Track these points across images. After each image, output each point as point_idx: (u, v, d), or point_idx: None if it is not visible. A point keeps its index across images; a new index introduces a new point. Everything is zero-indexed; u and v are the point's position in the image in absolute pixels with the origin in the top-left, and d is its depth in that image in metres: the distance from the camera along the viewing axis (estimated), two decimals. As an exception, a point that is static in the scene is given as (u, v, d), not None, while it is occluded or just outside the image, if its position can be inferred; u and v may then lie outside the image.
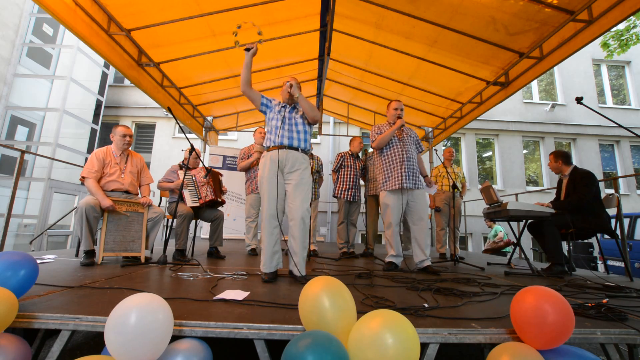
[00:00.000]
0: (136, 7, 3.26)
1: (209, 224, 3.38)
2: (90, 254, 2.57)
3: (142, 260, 2.77)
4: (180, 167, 3.36)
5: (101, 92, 9.02)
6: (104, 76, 9.17)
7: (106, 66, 9.13)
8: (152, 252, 3.33)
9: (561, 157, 3.13)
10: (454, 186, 3.74)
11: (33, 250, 5.40)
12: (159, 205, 3.38)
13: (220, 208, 3.53)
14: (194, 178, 3.19)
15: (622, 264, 5.23)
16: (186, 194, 3.15)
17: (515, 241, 3.47)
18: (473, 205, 8.42)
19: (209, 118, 6.37)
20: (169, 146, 9.46)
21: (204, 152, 6.36)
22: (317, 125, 7.07)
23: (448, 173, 4.03)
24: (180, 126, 3.72)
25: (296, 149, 2.28)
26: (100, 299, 1.48)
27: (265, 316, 1.32)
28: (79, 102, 8.29)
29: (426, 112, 5.78)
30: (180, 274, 2.26)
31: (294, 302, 1.49)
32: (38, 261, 1.84)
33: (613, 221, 3.14)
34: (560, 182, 3.23)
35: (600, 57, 9.95)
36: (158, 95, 4.47)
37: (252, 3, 3.55)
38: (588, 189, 2.85)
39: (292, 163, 2.25)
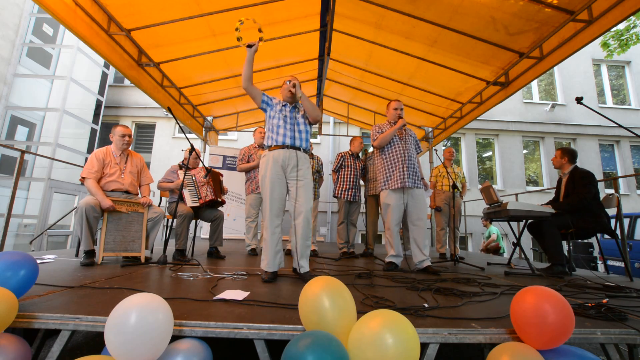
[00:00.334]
0: (136, 7, 3.26)
1: (209, 224, 3.38)
2: (90, 254, 2.57)
3: (142, 260, 2.77)
4: (180, 167, 3.36)
5: (101, 92, 9.02)
6: (104, 76, 9.17)
7: (106, 66, 9.13)
8: (152, 252, 3.33)
9: (568, 154, 3.12)
10: (454, 186, 3.74)
11: (33, 250, 5.40)
12: (159, 205, 3.38)
13: (220, 208, 3.53)
14: (194, 178, 3.19)
15: (622, 264, 5.23)
16: (186, 194, 3.15)
17: (514, 241, 3.47)
18: (473, 205, 8.42)
19: (209, 118, 6.37)
20: (169, 146, 9.46)
21: (204, 152, 6.36)
22: (317, 125, 7.07)
23: (448, 173, 4.03)
24: (180, 126, 3.72)
25: (298, 148, 2.29)
26: (100, 299, 1.48)
27: (265, 316, 1.32)
28: (79, 102, 8.29)
29: (426, 112, 5.78)
30: (180, 274, 2.26)
31: (294, 302, 1.48)
32: (38, 261, 1.84)
33: (613, 221, 3.14)
34: (559, 181, 3.23)
35: (600, 57, 9.95)
36: (158, 95, 4.47)
37: (252, 3, 3.55)
38: (588, 189, 2.85)
39: (295, 163, 2.25)
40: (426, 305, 1.57)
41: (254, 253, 3.72)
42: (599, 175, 9.40)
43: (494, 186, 3.48)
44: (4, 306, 1.09)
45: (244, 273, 2.35)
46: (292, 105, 2.38)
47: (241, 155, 3.83)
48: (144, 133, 9.85)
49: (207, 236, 3.78)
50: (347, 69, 5.34)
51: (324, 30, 4.39)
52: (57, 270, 2.21)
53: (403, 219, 2.94)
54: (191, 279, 2.08)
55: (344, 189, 4.00)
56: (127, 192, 2.87)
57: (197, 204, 3.17)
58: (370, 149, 4.50)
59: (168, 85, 4.66)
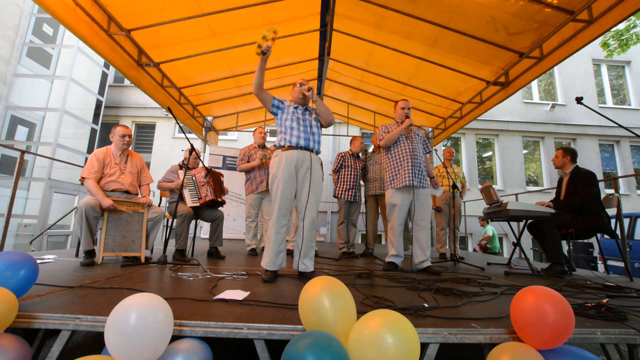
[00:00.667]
0: (136, 7, 3.26)
1: (209, 224, 3.38)
2: (90, 254, 2.57)
3: (142, 260, 2.77)
4: (180, 167, 3.36)
5: (101, 92, 9.02)
6: (104, 76, 9.17)
7: (106, 66, 9.13)
8: (152, 252, 3.33)
9: (570, 153, 3.12)
10: (454, 186, 3.74)
11: (33, 250, 5.40)
12: (159, 205, 3.38)
13: (220, 208, 3.53)
14: (194, 178, 3.19)
15: (622, 264, 5.23)
16: (186, 193, 3.15)
17: (515, 241, 3.47)
18: (473, 205, 8.42)
19: (209, 118, 6.37)
20: (169, 146, 9.46)
21: (204, 152, 6.36)
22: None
23: (448, 173, 4.03)
24: (180, 126, 3.72)
25: (311, 150, 2.31)
26: (100, 299, 1.48)
27: (265, 316, 1.32)
28: (79, 102, 8.29)
29: (426, 112, 5.79)
30: (180, 274, 2.26)
31: (294, 302, 1.48)
32: (38, 261, 1.84)
33: (613, 221, 3.14)
34: (560, 180, 3.22)
35: (600, 57, 9.95)
36: (158, 95, 4.47)
37: (252, 3, 3.55)
38: (589, 189, 2.85)
39: (308, 165, 2.27)
40: (426, 305, 1.57)
41: (254, 253, 3.72)
42: (599, 175, 9.39)
43: (494, 186, 3.48)
44: (4, 306, 1.09)
45: (244, 273, 2.35)
46: (304, 107, 2.40)
47: (241, 155, 3.83)
48: (144, 133, 9.85)
49: (207, 236, 3.78)
50: (347, 69, 5.34)
51: (324, 30, 4.39)
52: (57, 270, 2.21)
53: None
54: (191, 279, 2.08)
55: (344, 189, 4.00)
56: (127, 192, 2.87)
57: (197, 204, 3.17)
58: (370, 149, 4.50)
59: (168, 85, 4.66)
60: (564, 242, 3.05)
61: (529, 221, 3.17)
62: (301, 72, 5.48)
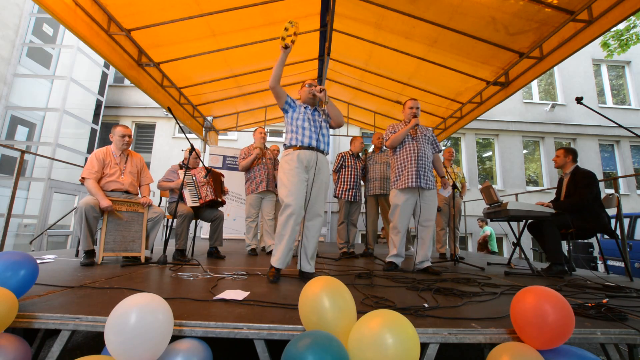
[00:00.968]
0: (136, 7, 3.26)
1: (209, 224, 3.38)
2: (90, 254, 2.57)
3: (142, 260, 2.77)
4: (181, 167, 3.36)
5: (101, 92, 9.02)
6: (104, 76, 9.18)
7: (106, 66, 9.13)
8: (152, 252, 3.33)
9: (571, 153, 3.12)
10: (454, 186, 3.74)
11: (33, 250, 5.40)
12: (159, 205, 3.38)
13: (220, 208, 3.53)
14: (194, 178, 3.19)
15: (622, 264, 5.23)
16: (186, 193, 3.15)
17: (515, 241, 3.47)
18: (473, 205, 8.42)
19: (209, 118, 6.37)
20: (169, 146, 9.47)
21: (204, 152, 6.36)
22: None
23: (448, 173, 4.03)
24: (180, 126, 3.72)
25: (321, 151, 2.32)
26: (100, 299, 1.48)
27: (265, 316, 1.32)
28: (79, 102, 8.29)
29: (426, 112, 5.79)
30: (180, 274, 2.26)
31: (294, 302, 1.48)
32: (38, 261, 1.84)
33: (613, 221, 3.14)
34: (560, 180, 3.22)
35: (600, 57, 9.96)
36: (158, 95, 4.47)
37: (252, 3, 3.55)
38: (589, 189, 2.85)
39: (319, 166, 2.27)
40: (426, 305, 1.57)
41: (254, 253, 3.72)
42: (599, 175, 9.39)
43: (494, 186, 3.48)
44: (4, 306, 1.09)
45: (244, 273, 2.35)
46: (313, 108, 2.41)
47: (242, 155, 3.83)
48: (144, 133, 9.86)
49: (207, 236, 3.78)
50: (347, 69, 5.34)
51: (324, 30, 4.39)
52: (57, 270, 2.21)
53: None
54: (191, 279, 2.08)
55: (344, 189, 4.00)
56: (127, 192, 2.87)
57: (197, 204, 3.17)
58: (370, 149, 4.50)
59: (168, 85, 4.66)
60: (564, 242, 3.05)
61: (529, 221, 3.17)
62: (301, 72, 5.48)
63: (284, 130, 2.44)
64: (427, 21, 3.62)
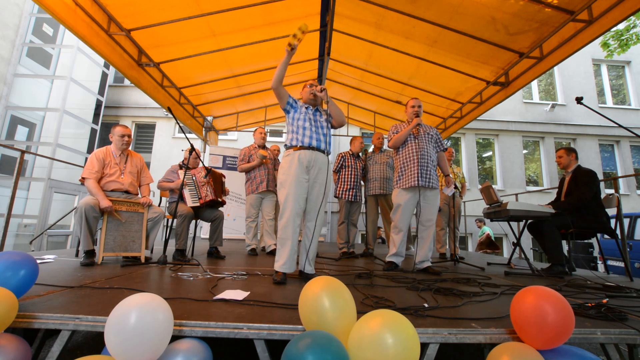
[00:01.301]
0: (136, 7, 3.26)
1: (209, 224, 3.38)
2: (90, 254, 2.57)
3: (142, 260, 2.77)
4: (181, 167, 3.36)
5: (101, 92, 9.02)
6: (104, 76, 9.18)
7: (106, 66, 9.14)
8: (152, 252, 3.33)
9: (574, 151, 3.13)
10: (454, 186, 3.74)
11: (33, 250, 5.40)
12: (159, 205, 3.38)
13: (220, 208, 3.53)
14: (194, 178, 3.19)
15: (622, 264, 5.23)
16: (186, 194, 3.15)
17: (515, 241, 3.47)
18: (473, 205, 8.42)
19: (209, 118, 6.37)
20: (169, 146, 9.47)
21: (204, 152, 6.36)
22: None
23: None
24: (180, 126, 3.72)
25: (322, 151, 2.31)
26: (100, 299, 1.48)
27: (265, 316, 1.32)
28: (79, 102, 8.29)
29: (426, 112, 5.78)
30: (180, 274, 2.26)
31: (294, 302, 1.48)
32: (38, 261, 1.84)
33: (613, 221, 3.14)
34: (562, 179, 3.22)
35: (600, 57, 9.96)
36: (158, 95, 4.47)
37: (252, 3, 3.55)
38: (588, 188, 2.85)
39: (320, 166, 2.27)
40: (426, 305, 1.57)
41: (254, 253, 3.72)
42: (599, 176, 9.40)
43: (494, 186, 3.47)
44: (4, 306, 1.09)
45: (244, 273, 2.35)
46: (314, 108, 2.40)
47: (242, 155, 3.83)
48: (144, 133, 9.86)
49: (207, 236, 3.78)
50: (347, 69, 5.34)
51: (324, 30, 4.39)
52: (57, 270, 2.21)
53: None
54: (191, 279, 2.08)
55: (344, 189, 4.00)
56: (127, 192, 2.87)
57: (198, 204, 3.17)
58: (370, 149, 4.50)
59: (168, 85, 4.66)
60: (564, 242, 3.05)
61: (529, 221, 3.17)
62: (301, 72, 5.49)
63: (284, 130, 2.44)
64: (427, 21, 3.62)
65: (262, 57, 4.59)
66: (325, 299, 1.11)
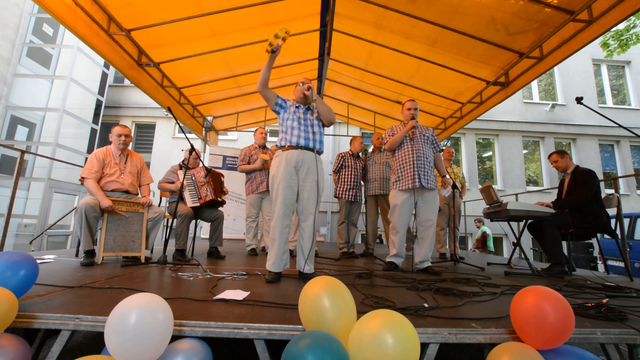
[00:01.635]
0: (136, 7, 3.26)
1: (209, 224, 3.38)
2: (90, 254, 2.57)
3: (142, 260, 2.77)
4: (180, 167, 3.36)
5: (101, 92, 9.02)
6: (104, 76, 9.18)
7: (106, 66, 9.13)
8: (152, 252, 3.33)
9: (567, 153, 3.14)
10: (454, 186, 3.74)
11: (33, 250, 5.40)
12: (159, 205, 3.38)
13: (220, 208, 3.53)
14: (193, 178, 3.19)
15: (622, 264, 5.23)
16: (186, 194, 3.15)
17: (515, 241, 3.47)
18: (473, 205, 8.42)
19: (209, 118, 6.37)
20: (169, 146, 9.47)
21: (204, 152, 6.36)
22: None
23: (448, 173, 4.03)
24: (180, 126, 3.72)
25: (312, 150, 2.29)
26: (100, 299, 1.48)
27: (265, 316, 1.32)
28: (79, 102, 8.29)
29: (426, 112, 5.78)
30: (180, 274, 2.26)
31: (294, 302, 1.48)
32: (38, 261, 1.84)
33: (613, 221, 3.14)
34: (562, 181, 3.22)
35: (600, 57, 9.96)
36: (158, 95, 4.47)
37: (252, 3, 3.55)
38: (588, 187, 2.85)
39: (309, 164, 2.26)
40: (426, 305, 1.57)
41: (254, 253, 3.72)
42: (599, 176, 9.40)
43: (494, 186, 3.48)
44: (4, 306, 1.09)
45: (244, 273, 2.35)
46: (306, 106, 2.39)
47: (242, 155, 3.83)
48: (144, 133, 9.85)
49: (207, 236, 3.78)
50: (347, 69, 5.34)
51: (324, 30, 4.38)
52: (57, 270, 2.21)
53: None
54: (191, 279, 2.08)
55: (344, 189, 4.00)
56: (127, 192, 2.87)
57: (198, 204, 3.17)
58: (370, 149, 4.50)
59: (168, 85, 4.66)
60: (564, 242, 3.05)
61: (529, 221, 3.17)
62: (301, 72, 5.48)
63: (282, 131, 2.42)
64: (427, 21, 3.62)
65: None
66: (325, 299, 1.11)
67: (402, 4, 3.50)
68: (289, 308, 1.45)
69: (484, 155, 10.26)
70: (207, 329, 1.20)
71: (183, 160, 3.45)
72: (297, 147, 2.25)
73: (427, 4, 3.38)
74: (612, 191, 6.63)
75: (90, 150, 8.49)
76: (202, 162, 3.41)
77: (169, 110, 3.05)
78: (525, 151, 10.15)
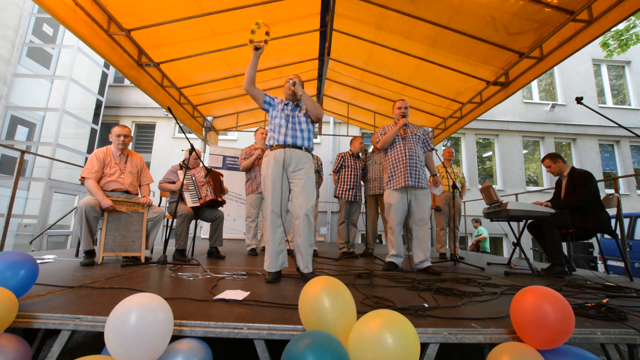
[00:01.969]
0: (136, 7, 3.26)
1: (209, 224, 3.38)
2: (90, 254, 2.57)
3: (142, 260, 2.77)
4: (181, 167, 3.36)
5: (101, 92, 9.02)
6: (104, 76, 9.17)
7: (106, 66, 9.13)
8: (152, 252, 3.33)
9: (559, 157, 3.14)
10: (454, 186, 3.74)
11: (33, 250, 5.40)
12: (159, 205, 3.38)
13: (220, 208, 3.53)
14: (193, 178, 3.19)
15: (622, 264, 5.23)
16: (186, 194, 3.15)
17: (514, 241, 3.47)
18: (473, 205, 8.42)
19: (209, 118, 6.37)
20: (169, 146, 9.46)
21: (204, 152, 6.36)
22: (317, 125, 7.06)
23: (448, 173, 4.03)
24: (180, 126, 3.72)
25: (300, 147, 2.27)
26: (100, 299, 1.48)
27: (265, 316, 1.32)
28: (79, 102, 8.29)
29: (426, 112, 5.79)
30: (180, 274, 2.26)
31: (294, 302, 1.48)
32: (38, 261, 1.84)
33: (613, 221, 3.14)
34: (559, 182, 3.22)
35: (600, 57, 9.95)
36: (158, 95, 4.47)
37: (252, 3, 3.55)
38: (587, 188, 2.85)
39: (297, 162, 2.24)
40: (426, 305, 1.57)
41: (254, 253, 3.72)
42: (599, 175, 9.40)
43: (494, 186, 3.48)
44: (4, 306, 1.09)
45: (244, 273, 2.35)
46: (294, 103, 2.37)
47: (243, 155, 3.83)
48: (144, 133, 9.85)
49: (207, 236, 3.78)
50: (347, 69, 5.34)
51: (324, 30, 4.38)
52: (57, 270, 2.21)
53: (405, 219, 2.93)
54: (191, 279, 2.08)
55: (344, 189, 4.00)
56: (127, 192, 2.87)
57: (198, 204, 3.17)
58: (370, 149, 4.50)
59: (168, 85, 4.66)
60: (564, 242, 3.05)
61: (529, 221, 3.17)
62: (301, 72, 5.48)
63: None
64: (427, 21, 3.62)
65: (262, 57, 4.57)
66: (325, 299, 1.11)
67: (402, 4, 3.50)
68: (288, 308, 1.45)
69: (484, 155, 10.26)
70: (207, 329, 1.20)
71: (183, 160, 3.45)
72: (285, 145, 2.23)
73: (427, 4, 3.38)
74: (612, 191, 6.64)
75: (90, 150, 8.49)
76: (202, 162, 3.42)
77: (169, 110, 3.05)
78: (525, 151, 10.15)
